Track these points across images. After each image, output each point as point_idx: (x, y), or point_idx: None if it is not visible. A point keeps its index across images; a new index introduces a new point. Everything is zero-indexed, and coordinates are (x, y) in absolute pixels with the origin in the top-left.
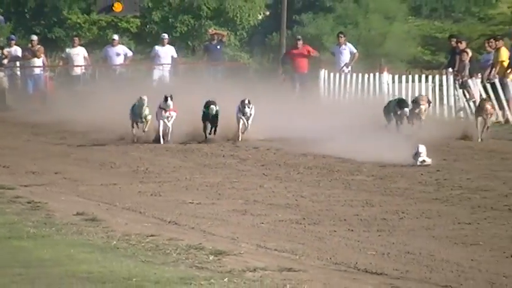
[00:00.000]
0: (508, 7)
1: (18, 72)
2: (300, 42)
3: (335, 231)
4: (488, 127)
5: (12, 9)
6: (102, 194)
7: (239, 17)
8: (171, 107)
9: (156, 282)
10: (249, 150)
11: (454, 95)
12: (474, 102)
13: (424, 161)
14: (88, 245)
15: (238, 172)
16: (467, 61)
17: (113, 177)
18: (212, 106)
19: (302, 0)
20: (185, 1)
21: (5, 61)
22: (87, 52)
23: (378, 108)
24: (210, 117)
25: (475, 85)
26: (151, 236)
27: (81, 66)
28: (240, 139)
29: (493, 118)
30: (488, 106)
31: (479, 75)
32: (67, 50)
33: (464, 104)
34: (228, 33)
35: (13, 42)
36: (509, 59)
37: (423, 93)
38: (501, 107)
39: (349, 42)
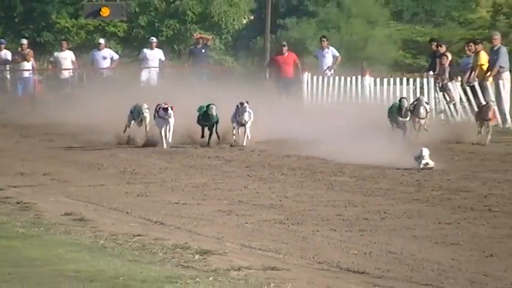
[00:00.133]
0: (487, 11)
1: (8, 76)
2: (285, 49)
3: (318, 231)
4: (488, 130)
5: (1, 14)
6: (90, 194)
7: (224, 21)
8: (172, 117)
9: (142, 281)
10: (233, 151)
11: (435, 97)
12: (454, 104)
13: (427, 163)
14: (76, 245)
15: (223, 173)
16: (447, 64)
17: (101, 178)
18: (212, 107)
19: (286, 5)
20: (171, 6)
21: None
22: (75, 56)
23: (360, 111)
24: (208, 122)
25: (455, 88)
26: (138, 235)
27: (69, 69)
28: (240, 142)
29: (495, 122)
30: (490, 111)
31: (459, 78)
32: (55, 53)
33: (444, 106)
34: (213, 37)
35: (3, 46)
36: (488, 62)
37: (404, 95)
38: None
39: (331, 46)
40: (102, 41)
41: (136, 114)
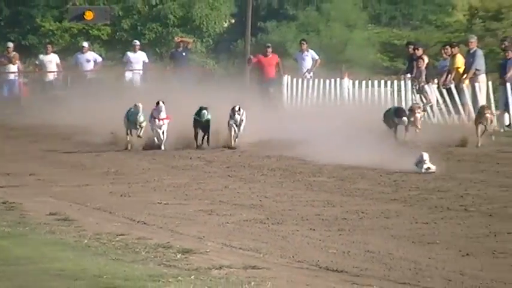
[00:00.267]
0: (464, 15)
1: None
2: (270, 50)
3: (297, 230)
4: (484, 132)
5: None
6: (74, 194)
7: (205, 24)
8: (163, 112)
9: (125, 279)
10: (215, 152)
11: (412, 99)
12: (431, 106)
13: (428, 168)
14: (60, 244)
15: (205, 173)
16: (423, 67)
17: (85, 178)
18: (204, 112)
19: (266, 8)
20: (153, 10)
21: None
22: (60, 59)
23: (339, 113)
24: (201, 124)
25: (432, 90)
26: (121, 235)
27: (53, 72)
28: (233, 145)
29: (493, 124)
30: (488, 113)
31: (436, 80)
32: (40, 56)
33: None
34: (194, 41)
35: None
36: (464, 65)
37: (382, 97)
38: (457, 112)
39: (311, 49)
40: (85, 44)
41: (132, 118)
